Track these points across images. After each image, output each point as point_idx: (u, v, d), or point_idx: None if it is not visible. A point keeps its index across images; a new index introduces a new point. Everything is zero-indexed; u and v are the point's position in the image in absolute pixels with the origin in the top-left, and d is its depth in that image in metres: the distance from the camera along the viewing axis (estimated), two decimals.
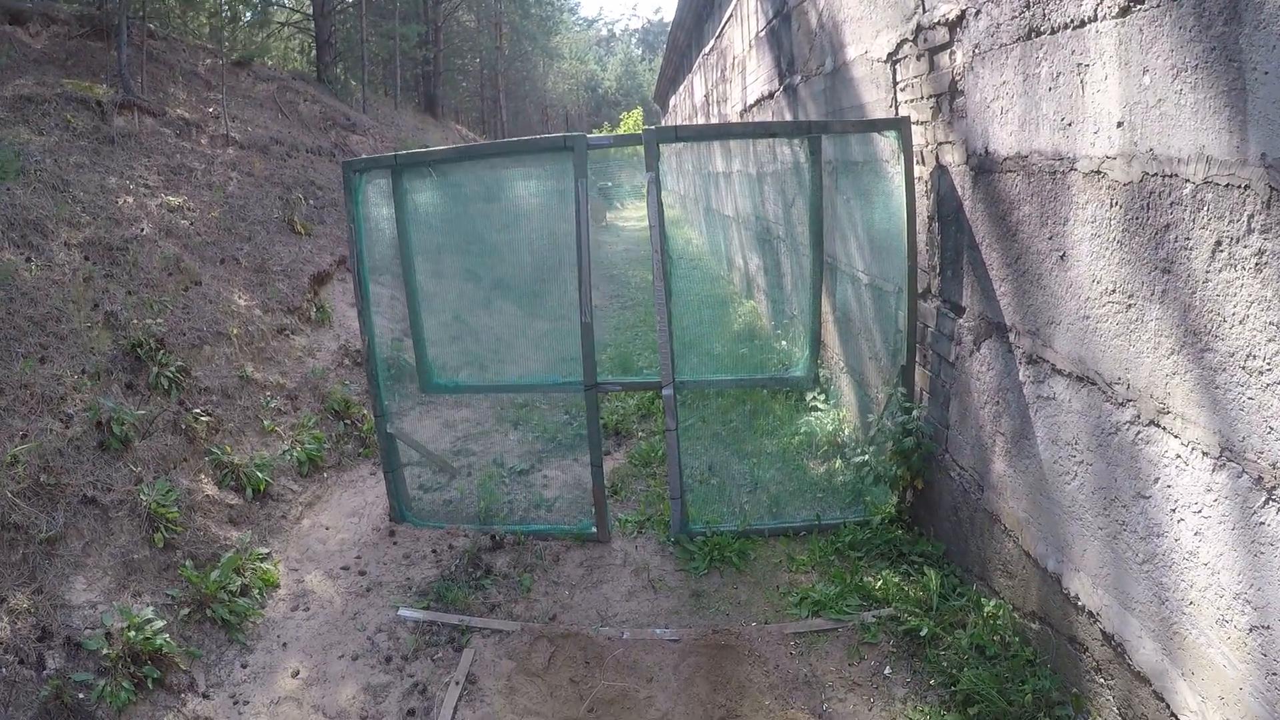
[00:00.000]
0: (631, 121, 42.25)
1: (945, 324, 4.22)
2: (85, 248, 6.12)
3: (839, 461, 5.42)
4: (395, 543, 4.97)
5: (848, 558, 4.41)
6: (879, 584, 4.11)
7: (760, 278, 8.95)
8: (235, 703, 3.62)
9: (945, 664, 3.45)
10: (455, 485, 5.65)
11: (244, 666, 3.84)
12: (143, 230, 6.82)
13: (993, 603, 3.66)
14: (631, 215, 20.84)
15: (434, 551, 4.82)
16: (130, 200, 7.20)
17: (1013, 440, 3.51)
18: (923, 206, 4.40)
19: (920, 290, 4.47)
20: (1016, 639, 3.44)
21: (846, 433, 5.74)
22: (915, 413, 4.28)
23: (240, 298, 7.00)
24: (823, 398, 6.19)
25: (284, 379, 6.55)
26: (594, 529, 4.88)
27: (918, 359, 4.53)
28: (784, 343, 7.09)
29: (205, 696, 3.64)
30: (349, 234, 4.84)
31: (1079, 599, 3.04)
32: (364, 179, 4.91)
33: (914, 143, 4.36)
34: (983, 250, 3.73)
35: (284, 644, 4.00)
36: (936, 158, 4.19)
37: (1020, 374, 3.42)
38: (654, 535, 4.92)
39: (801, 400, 6.31)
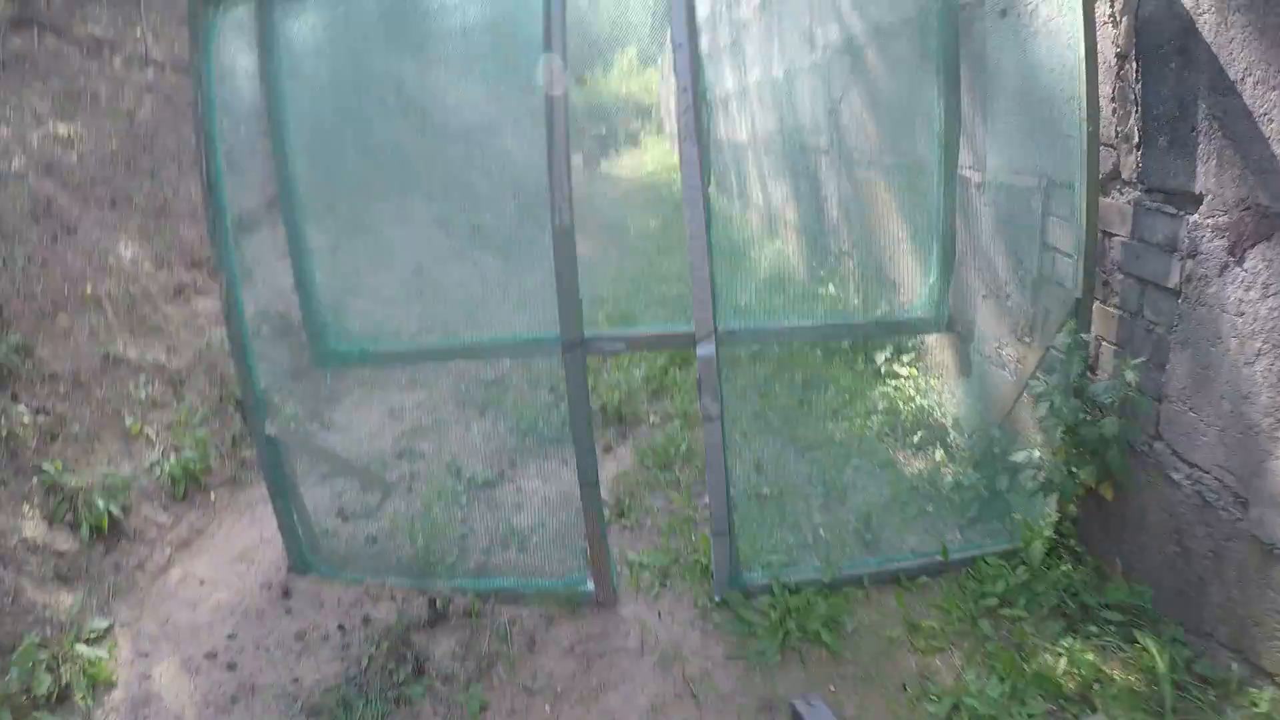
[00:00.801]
0: None
1: (1154, 226, 2.51)
2: None
3: (940, 452, 3.72)
4: (289, 609, 3.28)
5: (1002, 620, 2.71)
6: (1063, 664, 2.44)
7: (789, 210, 7.14)
8: None
9: None
10: (387, 509, 3.94)
11: None
12: (11, 166, 5.17)
13: (1269, 694, 2.07)
14: (627, 163, 19.16)
15: (340, 628, 3.12)
16: (5, 132, 5.52)
17: None
18: (1106, 43, 2.67)
19: (1101, 176, 2.74)
20: None
21: (945, 409, 4.01)
22: (1129, 376, 2.52)
23: (126, 248, 5.32)
24: (901, 357, 4.45)
25: (169, 357, 4.88)
26: (590, 585, 3.14)
27: (1095, 291, 2.81)
28: (831, 286, 5.33)
29: None
30: (194, 104, 2.99)
31: None
32: (220, 13, 3.04)
33: None
34: (1245, 92, 2.06)
35: None
36: None
37: None
38: (687, 591, 3.18)
39: (869, 361, 4.56)
